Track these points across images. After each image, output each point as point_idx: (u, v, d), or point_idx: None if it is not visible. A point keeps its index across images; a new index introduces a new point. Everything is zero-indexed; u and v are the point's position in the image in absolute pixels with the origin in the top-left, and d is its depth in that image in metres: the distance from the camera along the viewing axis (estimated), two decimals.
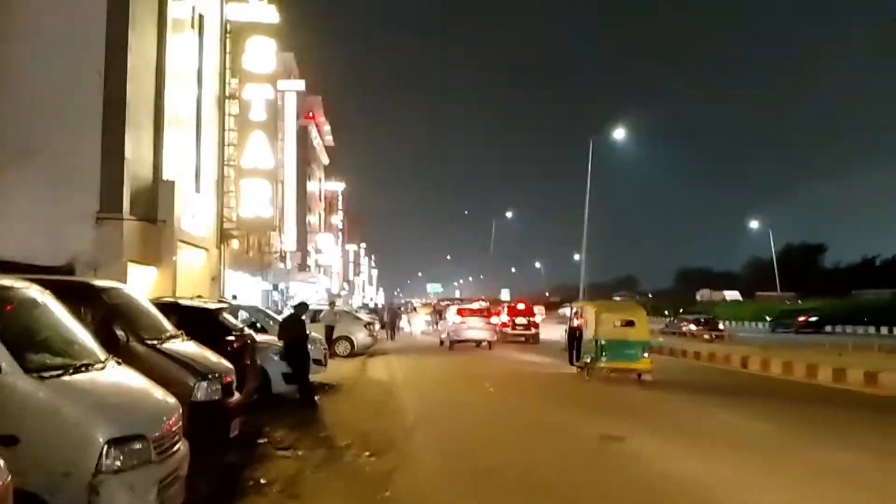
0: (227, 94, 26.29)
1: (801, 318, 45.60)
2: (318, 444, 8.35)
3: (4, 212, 15.42)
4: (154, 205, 18.47)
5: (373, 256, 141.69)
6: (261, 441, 8.28)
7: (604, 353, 16.38)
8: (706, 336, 33.57)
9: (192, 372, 6.49)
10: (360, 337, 23.31)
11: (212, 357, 7.37)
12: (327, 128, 67.72)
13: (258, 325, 14.49)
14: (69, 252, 15.86)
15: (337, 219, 78.44)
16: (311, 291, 55.91)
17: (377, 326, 38.51)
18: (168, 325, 7.37)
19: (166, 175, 19.18)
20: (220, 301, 14.75)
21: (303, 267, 55.21)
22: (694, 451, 8.64)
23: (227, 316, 9.50)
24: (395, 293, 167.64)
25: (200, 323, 8.50)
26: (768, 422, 10.99)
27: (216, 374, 6.84)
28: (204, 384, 6.48)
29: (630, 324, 16.90)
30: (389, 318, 38.85)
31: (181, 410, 5.10)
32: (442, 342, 28.69)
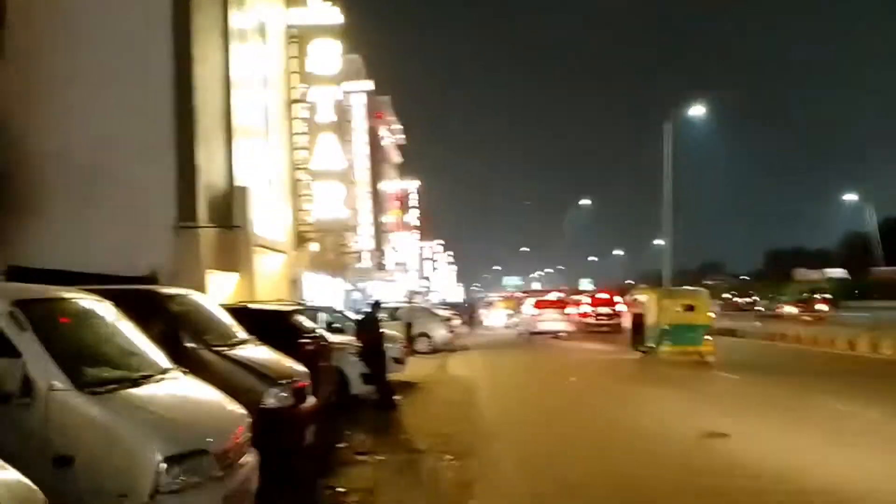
0: (294, 98, 26.53)
1: None
2: (397, 449, 8.04)
3: (85, 229, 15.83)
4: (229, 212, 18.65)
5: (450, 253, 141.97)
6: (339, 446, 8.02)
7: (667, 338, 16.96)
8: (806, 317, 31.63)
9: (262, 378, 6.23)
10: (440, 333, 23.05)
11: (284, 361, 7.12)
12: (398, 126, 68.03)
13: (336, 325, 14.35)
14: (150, 264, 16.29)
15: (412, 217, 78.75)
16: (390, 289, 56.36)
17: (457, 322, 38.54)
18: (239, 331, 7.18)
19: (239, 182, 19.37)
20: (293, 303, 14.74)
21: (380, 266, 55.65)
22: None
23: (301, 318, 9.29)
24: (474, 287, 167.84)
25: (273, 327, 8.30)
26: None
27: (288, 380, 6.58)
28: (274, 390, 6.21)
29: (691, 308, 17.56)
30: (469, 314, 42.22)
31: (249, 420, 4.81)
32: (520, 334, 28.10)
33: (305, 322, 9.36)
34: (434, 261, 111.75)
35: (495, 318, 43.38)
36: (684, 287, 26.70)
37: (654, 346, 17.58)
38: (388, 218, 64.77)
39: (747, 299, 66.77)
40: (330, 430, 8.18)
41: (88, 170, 16.05)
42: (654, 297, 18.56)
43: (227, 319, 7.25)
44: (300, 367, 7.25)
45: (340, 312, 14.46)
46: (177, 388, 4.63)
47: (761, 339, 25.04)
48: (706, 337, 17.08)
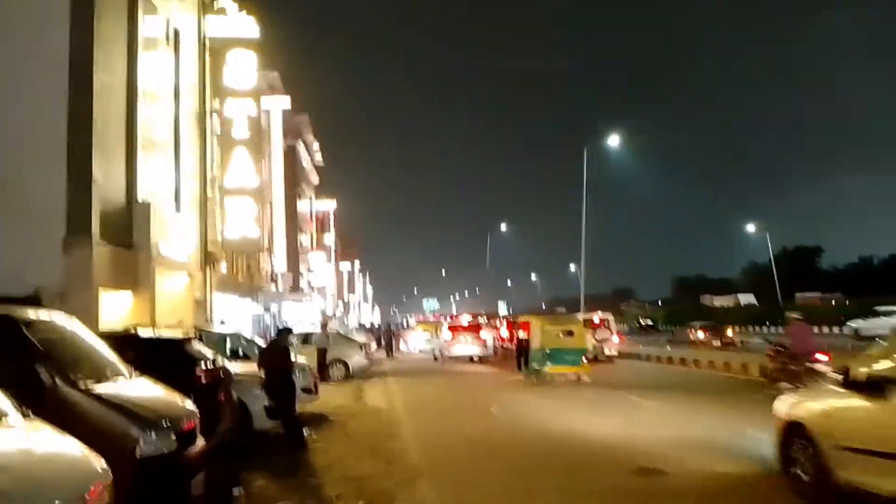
0: (207, 110, 25.26)
1: None
2: (305, 496, 7.14)
3: None
4: (128, 229, 17.32)
5: (367, 274, 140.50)
6: (236, 494, 7.08)
7: (549, 360, 18.89)
8: (715, 343, 32.38)
9: (136, 420, 5.27)
10: (356, 360, 22.12)
11: (168, 398, 6.19)
12: (316, 146, 66.77)
13: (241, 353, 13.28)
14: (36, 281, 14.75)
15: (329, 238, 77.25)
16: (304, 312, 54.67)
17: (374, 346, 37.48)
18: (117, 362, 6.21)
19: (141, 197, 18.03)
20: (192, 328, 13.62)
21: (295, 288, 53.94)
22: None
23: (198, 345, 8.31)
24: (392, 311, 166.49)
25: (163, 356, 7.33)
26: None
27: (171, 420, 5.65)
28: (151, 434, 5.26)
29: (570, 334, 19.47)
30: (386, 338, 39.96)
31: (109, 477, 3.91)
32: (436, 358, 29.81)
33: (203, 350, 8.39)
34: (352, 283, 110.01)
35: (413, 341, 42.56)
36: (564, 314, 29.41)
37: (537, 367, 19.33)
38: (305, 239, 63.19)
39: (648, 322, 68.77)
40: (226, 476, 7.23)
41: None
42: (538, 325, 20.22)
43: (102, 349, 6.28)
44: (187, 404, 6.32)
45: (246, 338, 13.36)
46: (12, 440, 3.70)
47: (668, 364, 25.61)
48: (583, 359, 19.37)
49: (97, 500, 3.71)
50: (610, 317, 29.57)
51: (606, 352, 27.01)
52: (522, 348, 21.42)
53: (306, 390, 12.29)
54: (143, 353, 7.19)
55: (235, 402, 8.37)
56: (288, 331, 10.06)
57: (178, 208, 21.89)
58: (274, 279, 44.34)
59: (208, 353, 8.33)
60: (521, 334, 22.10)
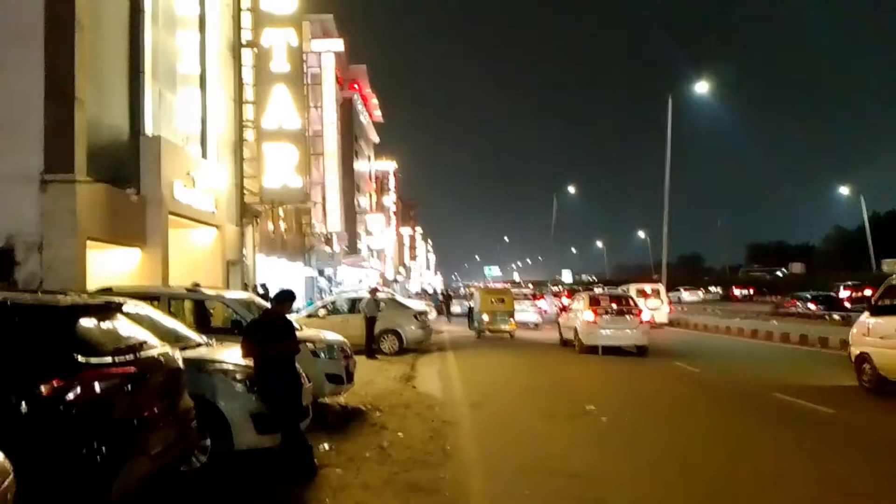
0: (242, 42, 22.01)
1: None
2: None
3: None
4: (132, 167, 14.21)
5: (429, 240, 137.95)
6: None
7: (487, 320, 25.06)
8: (834, 316, 27.58)
9: None
10: (410, 330, 18.76)
11: None
12: (375, 101, 63.32)
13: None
14: (7, 228, 11.83)
15: (389, 200, 74.27)
16: (361, 276, 51.88)
17: (433, 314, 34.35)
18: None
19: (151, 133, 14.90)
20: (190, 289, 10.41)
21: (352, 250, 51.13)
22: None
23: (120, 318, 4.82)
24: (453, 277, 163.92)
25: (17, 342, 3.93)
26: None
27: None
28: None
29: (502, 301, 25.52)
30: (445, 303, 41.11)
31: None
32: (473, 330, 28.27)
33: (126, 326, 4.85)
34: (413, 248, 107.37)
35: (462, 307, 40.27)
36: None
37: (478, 326, 25.55)
38: (364, 200, 60.27)
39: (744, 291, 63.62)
40: None
41: None
42: (478, 294, 27.42)
43: None
44: None
45: (257, 305, 9.80)
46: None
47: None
48: (511, 320, 25.18)
49: None
50: (661, 286, 32.14)
51: (657, 320, 28.22)
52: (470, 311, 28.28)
53: (333, 378, 8.90)
54: None
55: (188, 410, 4.98)
56: (287, 296, 6.43)
57: (204, 153, 18.78)
58: (328, 240, 41.48)
59: (134, 331, 4.81)
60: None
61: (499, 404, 10.42)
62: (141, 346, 4.53)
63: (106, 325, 4.46)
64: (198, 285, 11.75)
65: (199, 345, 6.61)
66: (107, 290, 9.23)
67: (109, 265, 14.12)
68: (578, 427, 8.67)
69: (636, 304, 19.49)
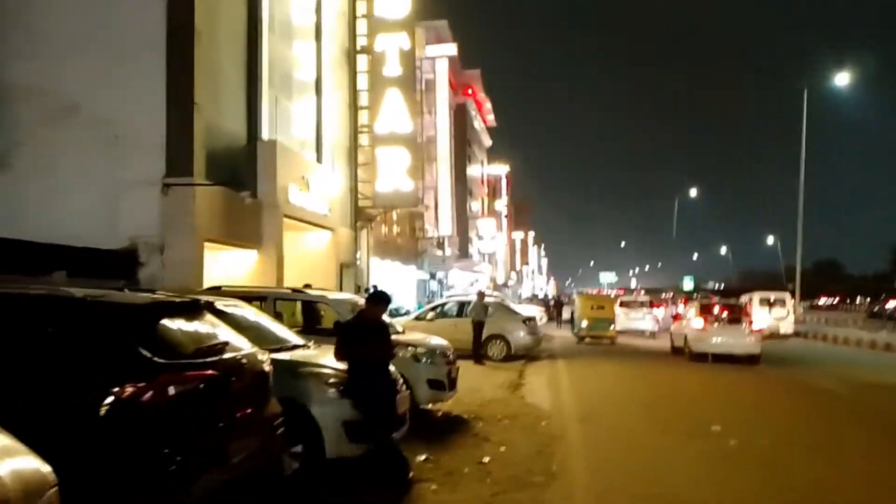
0: (357, 48, 22.35)
1: None
2: None
3: (51, 185, 12.15)
4: (249, 172, 14.60)
5: (542, 245, 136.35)
6: None
7: (586, 326, 24.80)
8: None
9: None
10: (518, 336, 18.24)
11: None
12: (488, 106, 63.23)
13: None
14: (131, 231, 12.39)
15: (501, 204, 73.91)
16: (472, 280, 51.80)
17: (543, 319, 33.67)
18: None
19: (265, 136, 15.30)
20: (297, 289, 10.42)
21: (464, 254, 51.17)
22: None
23: (207, 318, 4.65)
24: (567, 283, 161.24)
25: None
26: None
27: None
28: None
29: (602, 308, 25.40)
30: (557, 309, 40.13)
31: None
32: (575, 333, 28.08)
33: (211, 328, 4.68)
34: (524, 253, 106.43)
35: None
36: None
37: (576, 331, 25.94)
38: (476, 204, 60.23)
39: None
40: None
41: (52, 108, 12.32)
42: (579, 299, 27.45)
43: None
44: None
45: (353, 304, 9.45)
46: None
47: None
48: (611, 327, 24.73)
49: None
50: (786, 296, 31.03)
51: (782, 330, 28.38)
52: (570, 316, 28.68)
53: (435, 384, 8.59)
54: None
55: (271, 415, 4.77)
56: (382, 298, 6.16)
57: (319, 158, 19.17)
58: (440, 244, 41.65)
59: (220, 331, 4.62)
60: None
61: (611, 419, 9.73)
62: (224, 347, 4.35)
63: (190, 325, 4.33)
64: (309, 286, 11.85)
65: (295, 346, 6.46)
66: (216, 289, 9.40)
67: (227, 266, 14.57)
68: (700, 448, 7.87)
69: (748, 313, 19.84)
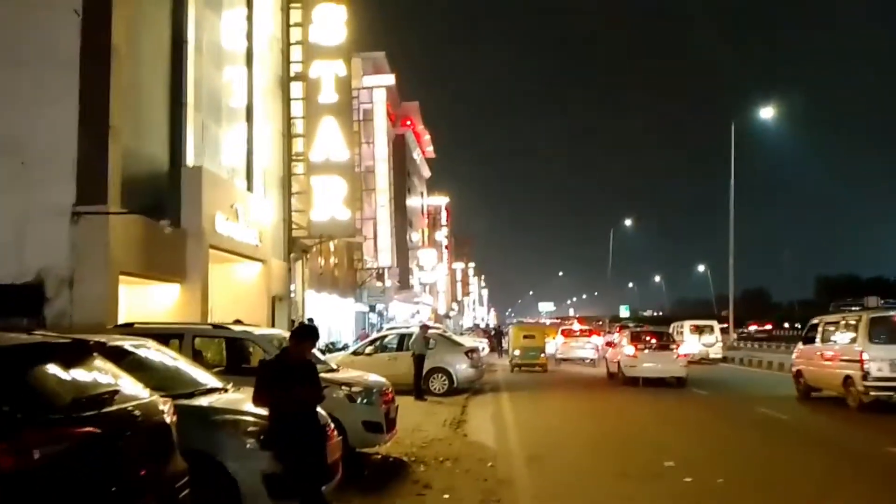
0: (291, 74, 21.73)
1: None
2: None
3: None
4: (174, 199, 13.72)
5: (482, 276, 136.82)
6: None
7: (518, 355, 25.48)
8: None
9: None
10: (461, 368, 17.61)
11: None
12: (427, 138, 63.27)
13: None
14: (38, 263, 11.33)
15: (441, 235, 73.67)
16: (413, 312, 51.05)
17: (485, 349, 33.19)
18: None
19: (193, 164, 14.46)
20: (221, 325, 9.61)
21: (404, 286, 50.46)
22: None
23: (96, 362, 3.83)
24: (507, 313, 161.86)
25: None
26: None
27: None
28: None
29: (532, 337, 26.05)
30: (497, 339, 40.12)
31: None
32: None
33: (104, 368, 3.90)
34: (465, 283, 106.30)
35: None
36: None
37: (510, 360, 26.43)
38: (416, 235, 59.76)
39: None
40: None
41: None
42: (513, 329, 28.74)
43: None
44: None
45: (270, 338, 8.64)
46: None
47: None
48: (542, 355, 25.52)
49: None
50: (714, 323, 32.87)
51: (711, 355, 30.00)
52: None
53: (372, 426, 7.88)
54: None
55: (174, 473, 4.03)
56: (308, 334, 5.49)
57: (249, 186, 18.34)
58: (380, 275, 40.86)
59: (108, 378, 3.87)
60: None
61: (560, 458, 9.19)
62: (111, 397, 3.62)
63: (70, 371, 3.59)
64: (240, 322, 10.98)
65: (212, 390, 5.71)
66: (127, 326, 8.54)
67: (146, 301, 13.57)
68: (655, 490, 7.40)
69: (674, 340, 21.33)
